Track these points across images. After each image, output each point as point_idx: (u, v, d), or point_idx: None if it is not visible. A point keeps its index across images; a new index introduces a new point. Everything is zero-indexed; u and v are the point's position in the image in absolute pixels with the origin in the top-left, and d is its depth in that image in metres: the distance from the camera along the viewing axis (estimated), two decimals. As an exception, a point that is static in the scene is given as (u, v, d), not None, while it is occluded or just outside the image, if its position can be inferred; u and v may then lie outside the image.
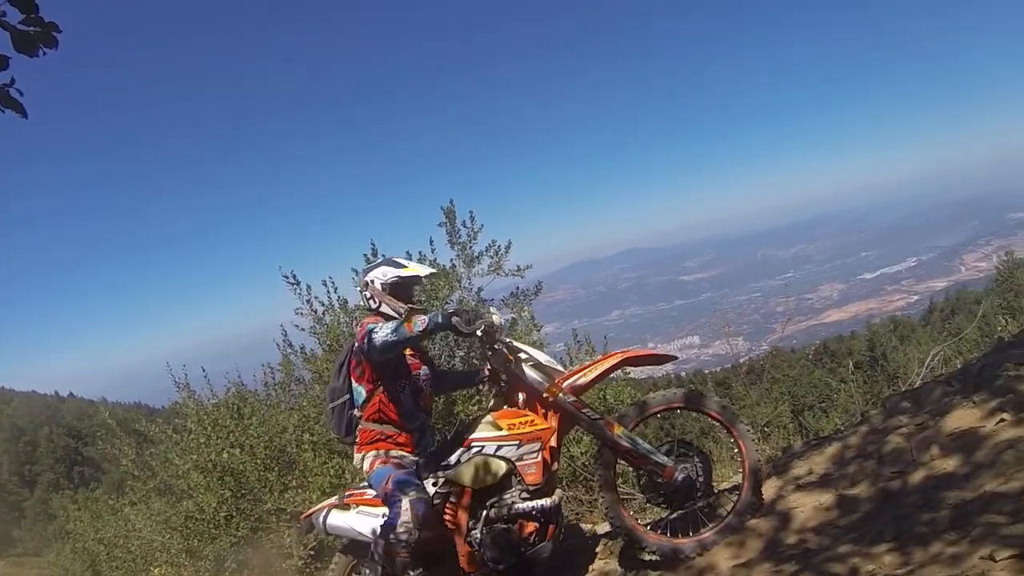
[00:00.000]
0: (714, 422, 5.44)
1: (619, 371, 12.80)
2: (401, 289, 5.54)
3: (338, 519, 5.63)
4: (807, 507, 4.90)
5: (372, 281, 5.49)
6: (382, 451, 5.27)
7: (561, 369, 5.41)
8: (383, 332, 4.86)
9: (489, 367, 5.58)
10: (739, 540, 4.89)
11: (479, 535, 5.08)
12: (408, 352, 5.44)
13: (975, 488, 3.81)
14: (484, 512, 5.12)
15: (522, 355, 5.35)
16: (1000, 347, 6.23)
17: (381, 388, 5.27)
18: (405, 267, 5.64)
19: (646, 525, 5.36)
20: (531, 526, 5.08)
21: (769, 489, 5.58)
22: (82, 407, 76.93)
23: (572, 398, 5.14)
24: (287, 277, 10.51)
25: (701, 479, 5.06)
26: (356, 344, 5.16)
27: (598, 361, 5.46)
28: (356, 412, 5.40)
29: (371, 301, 5.50)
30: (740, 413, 6.25)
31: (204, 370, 12.09)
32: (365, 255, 10.61)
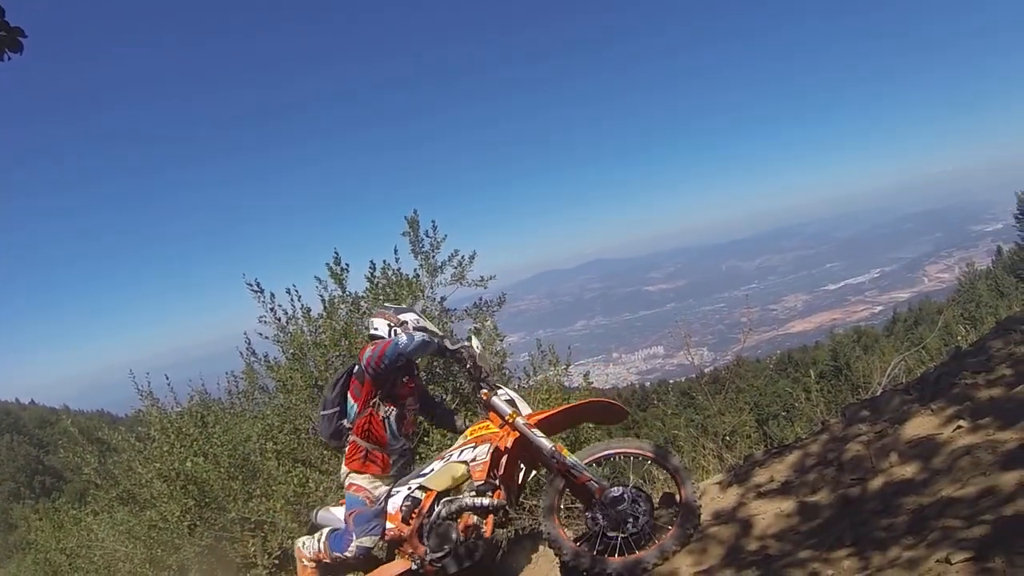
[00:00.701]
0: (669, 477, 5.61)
1: (583, 383, 12.93)
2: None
3: (326, 514, 6.11)
4: (768, 514, 4.95)
5: (407, 322, 5.91)
6: (363, 476, 5.73)
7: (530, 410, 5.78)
8: (392, 347, 5.45)
9: (474, 394, 5.98)
10: (701, 547, 4.93)
11: (427, 528, 5.44)
12: (405, 379, 5.86)
13: (932, 493, 3.87)
14: (436, 508, 5.47)
15: (500, 391, 5.74)
16: (957, 356, 6.34)
17: (372, 408, 5.67)
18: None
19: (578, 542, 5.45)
20: (470, 519, 5.34)
21: (730, 496, 5.65)
22: (43, 415, 75.79)
23: (526, 420, 5.44)
24: (251, 285, 10.47)
25: (635, 506, 5.21)
26: (362, 364, 5.55)
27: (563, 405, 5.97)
28: (347, 424, 5.84)
29: (375, 330, 5.93)
30: (692, 475, 6.31)
31: (168, 378, 12.02)
32: (327, 264, 10.60)
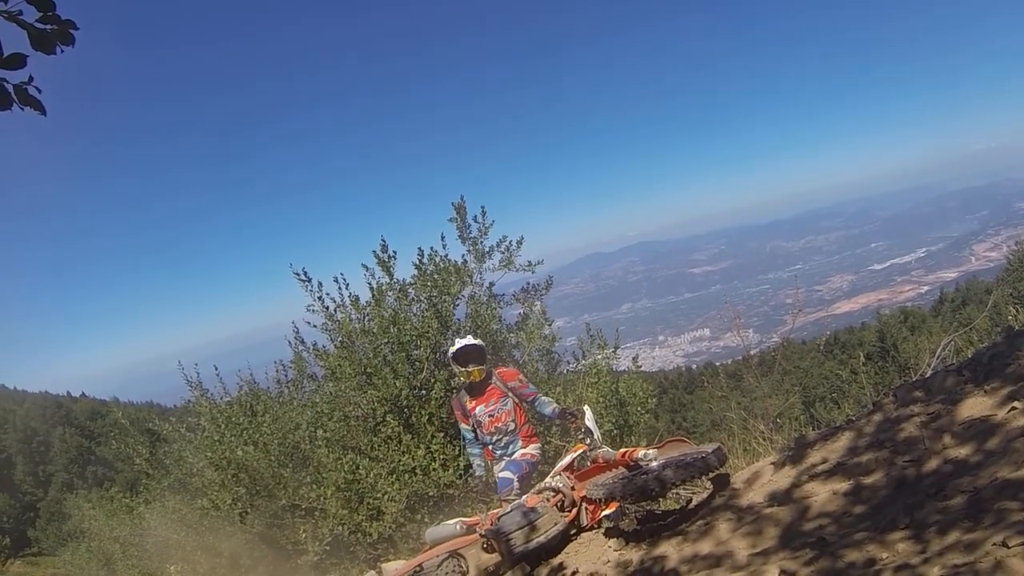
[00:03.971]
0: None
1: (632, 366, 12.98)
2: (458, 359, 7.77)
3: (435, 530, 7.30)
4: (822, 495, 4.94)
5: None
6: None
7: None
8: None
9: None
10: (756, 529, 4.94)
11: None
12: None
13: (988, 475, 3.85)
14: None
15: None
16: (1010, 336, 6.26)
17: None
18: (453, 344, 7.85)
19: None
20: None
21: (784, 478, 5.65)
22: (94, 407, 76.98)
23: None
24: (298, 274, 10.58)
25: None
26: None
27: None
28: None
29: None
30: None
31: (216, 368, 12.20)
32: (374, 251, 10.68)
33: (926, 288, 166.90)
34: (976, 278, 67.82)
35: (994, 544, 3.05)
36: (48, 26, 2.84)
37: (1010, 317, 9.74)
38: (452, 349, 7.78)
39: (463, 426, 7.91)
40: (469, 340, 7.75)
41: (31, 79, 2.87)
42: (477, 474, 7.84)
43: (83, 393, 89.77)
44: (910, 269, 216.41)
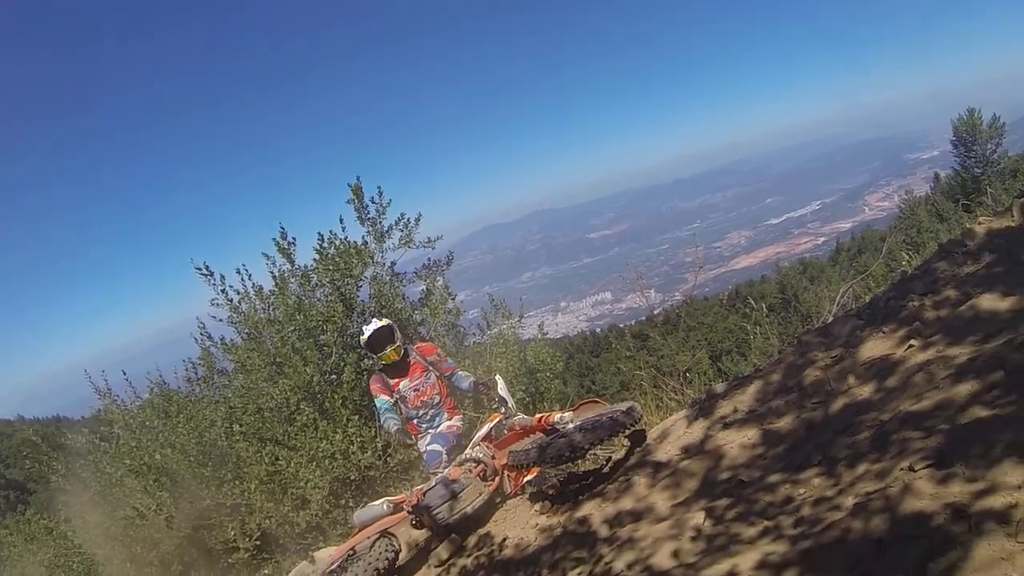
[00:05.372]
0: None
1: (538, 334, 13.22)
2: (372, 348, 7.84)
3: (363, 512, 7.31)
4: (735, 444, 5.17)
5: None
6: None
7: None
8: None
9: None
10: (674, 481, 5.15)
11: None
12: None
13: (891, 410, 4.10)
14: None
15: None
16: (904, 280, 6.60)
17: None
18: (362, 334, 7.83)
19: None
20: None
21: (697, 430, 5.88)
22: None
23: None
24: (200, 269, 10.43)
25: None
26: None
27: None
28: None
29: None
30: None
31: (125, 373, 12.01)
32: (274, 239, 10.61)
33: (823, 239, 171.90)
34: (870, 227, 70.42)
35: (901, 470, 3.28)
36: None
37: (904, 263, 10.21)
38: (363, 338, 7.77)
39: (382, 397, 7.81)
40: (376, 324, 7.73)
41: None
42: (394, 430, 7.65)
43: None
44: (806, 222, 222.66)
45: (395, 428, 7.61)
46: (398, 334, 7.80)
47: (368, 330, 7.68)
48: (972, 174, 41.69)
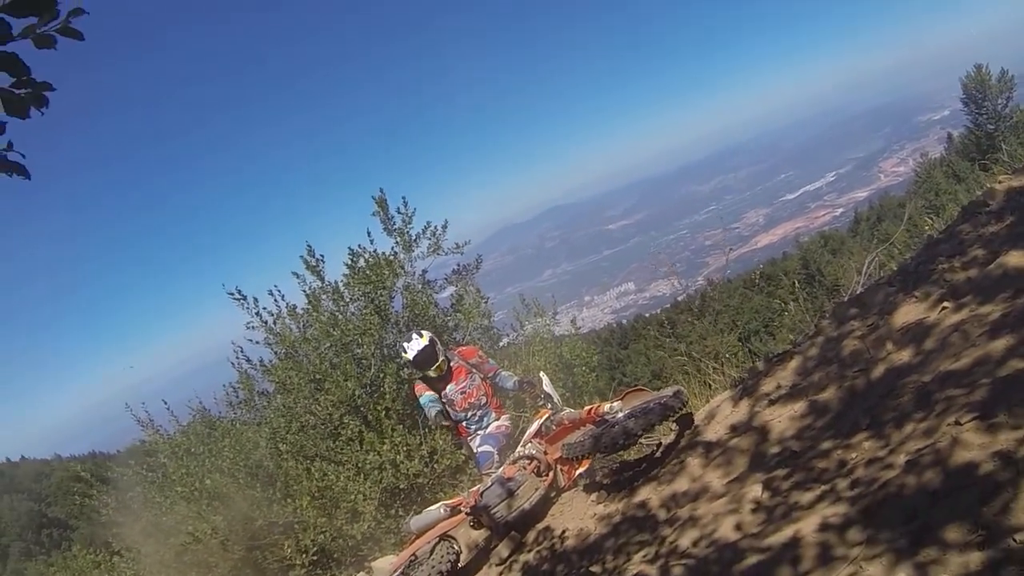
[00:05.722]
0: None
1: (571, 329, 13.42)
2: (418, 366, 7.88)
3: (418, 519, 7.43)
4: (782, 418, 5.34)
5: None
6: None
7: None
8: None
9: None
10: (726, 459, 5.33)
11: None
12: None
13: (932, 370, 4.27)
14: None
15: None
16: (931, 244, 6.76)
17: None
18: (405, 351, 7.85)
19: None
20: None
21: (743, 409, 6.06)
22: (37, 468, 73.98)
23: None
24: (232, 294, 10.61)
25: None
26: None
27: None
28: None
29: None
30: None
31: (166, 403, 12.21)
32: (302, 256, 10.79)
33: (840, 210, 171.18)
34: (888, 194, 69.97)
35: (948, 425, 3.46)
36: (23, 90, 2.79)
37: (926, 227, 10.33)
38: (407, 356, 7.78)
39: (427, 394, 7.86)
40: (417, 343, 7.72)
41: (11, 145, 2.84)
42: (433, 413, 7.74)
43: (22, 456, 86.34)
44: (822, 194, 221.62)
45: (435, 412, 7.72)
46: (439, 347, 7.84)
47: (412, 350, 7.69)
48: (985, 131, 41.49)
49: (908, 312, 5.40)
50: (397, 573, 6.95)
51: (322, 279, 10.80)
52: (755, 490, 4.45)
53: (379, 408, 9.78)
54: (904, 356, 4.81)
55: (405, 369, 9.70)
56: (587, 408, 7.29)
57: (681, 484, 5.50)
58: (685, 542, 4.44)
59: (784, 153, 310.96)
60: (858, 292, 7.75)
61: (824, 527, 3.43)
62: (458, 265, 11.65)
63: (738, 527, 4.21)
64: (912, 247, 9.86)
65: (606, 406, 7.08)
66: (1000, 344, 3.92)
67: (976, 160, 36.81)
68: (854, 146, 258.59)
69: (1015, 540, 2.55)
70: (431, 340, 7.77)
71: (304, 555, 9.57)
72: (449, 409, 7.91)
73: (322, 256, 10.80)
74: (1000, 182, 6.63)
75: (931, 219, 10.93)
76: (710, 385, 8.87)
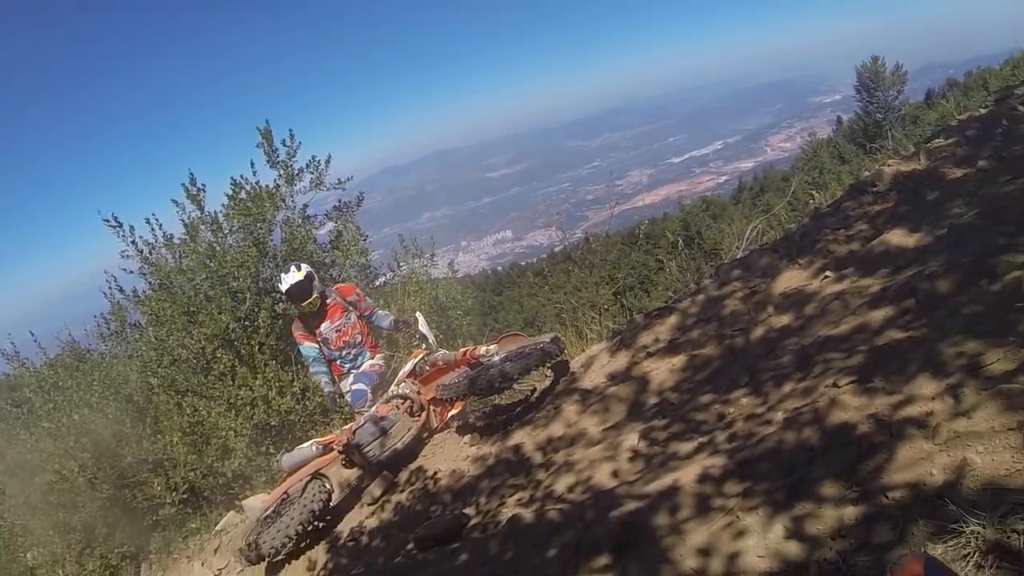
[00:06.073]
0: None
1: (448, 272, 13.52)
2: (292, 298, 7.76)
3: (290, 456, 7.35)
4: (661, 370, 5.50)
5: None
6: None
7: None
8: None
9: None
10: (603, 407, 5.46)
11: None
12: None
13: (811, 335, 4.46)
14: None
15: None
16: (817, 216, 7.01)
17: None
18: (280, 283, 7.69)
19: None
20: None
21: (621, 359, 6.21)
22: None
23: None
24: (108, 220, 10.23)
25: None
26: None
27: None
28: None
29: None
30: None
31: (33, 334, 11.77)
32: (183, 184, 10.48)
33: (724, 178, 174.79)
34: (773, 167, 72.03)
35: (826, 387, 3.63)
36: None
37: (810, 201, 10.69)
38: (281, 287, 7.68)
39: (307, 344, 7.84)
40: (294, 275, 7.59)
41: None
42: (327, 390, 7.83)
43: None
44: (708, 160, 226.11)
45: (327, 390, 7.78)
46: (316, 282, 7.72)
47: (287, 282, 7.56)
48: (874, 119, 43.26)
49: (791, 278, 5.61)
50: (269, 511, 6.89)
51: (201, 209, 10.49)
52: (632, 438, 4.57)
53: (252, 342, 9.61)
54: (784, 320, 5.00)
55: (280, 303, 9.58)
56: (463, 350, 7.33)
57: (556, 429, 5.61)
58: (560, 487, 4.53)
59: (677, 117, 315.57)
60: (741, 256, 7.97)
61: (702, 478, 3.55)
62: (339, 201, 11.48)
63: (615, 474, 4.32)
64: (793, 220, 10.20)
65: (482, 349, 7.14)
66: (879, 315, 4.11)
67: (863, 145, 38.28)
68: (745, 118, 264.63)
69: (887, 497, 2.70)
70: (307, 275, 7.60)
71: (174, 493, 9.40)
72: (323, 347, 7.84)
73: (203, 185, 10.47)
74: (888, 165, 6.91)
75: (815, 194, 11.31)
76: (584, 336, 8.99)
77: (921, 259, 4.56)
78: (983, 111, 7.63)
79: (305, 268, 7.60)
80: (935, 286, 4.00)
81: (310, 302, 7.58)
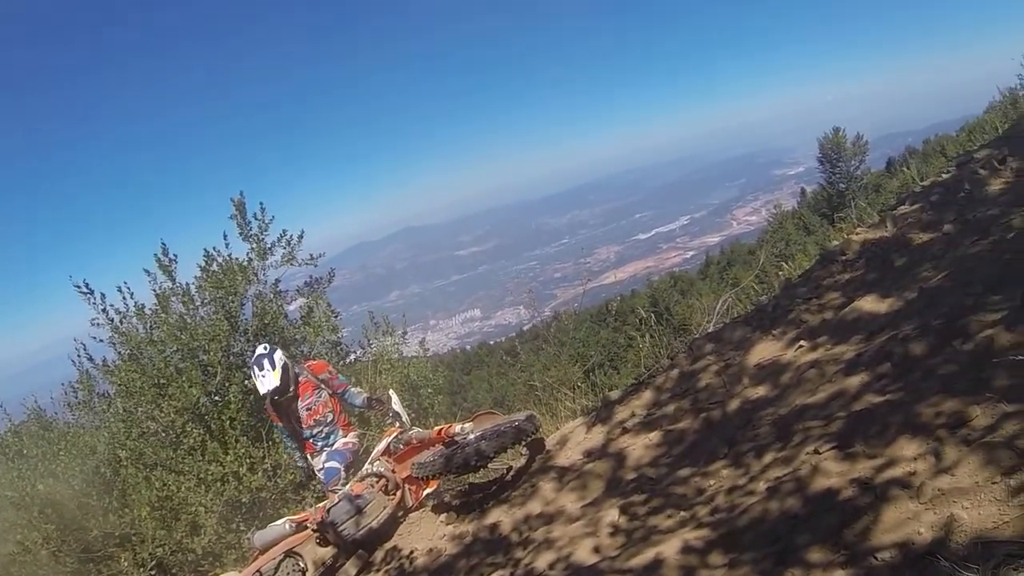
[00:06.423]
0: None
1: (420, 350, 13.52)
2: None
3: (263, 533, 7.21)
4: (638, 446, 5.50)
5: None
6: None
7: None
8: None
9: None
10: (581, 483, 5.45)
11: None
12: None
13: (788, 404, 4.50)
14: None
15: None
16: (788, 287, 7.13)
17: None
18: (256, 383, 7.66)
19: None
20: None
21: (597, 436, 6.21)
22: None
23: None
24: (79, 287, 10.21)
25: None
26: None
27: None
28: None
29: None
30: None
31: (-4, 400, 11.65)
32: (155, 255, 10.50)
33: (691, 253, 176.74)
34: (739, 241, 73.18)
35: (807, 454, 3.66)
36: None
37: (781, 272, 10.84)
38: (261, 391, 7.62)
39: (281, 424, 7.86)
40: (272, 381, 7.51)
41: None
42: (300, 465, 7.90)
43: None
44: (675, 236, 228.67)
45: (300, 465, 7.92)
46: (291, 372, 7.67)
47: (265, 385, 7.48)
48: (837, 189, 44.01)
49: (765, 349, 5.67)
50: None
51: (173, 279, 10.50)
52: (612, 514, 4.56)
53: (223, 417, 9.55)
54: (760, 391, 5.04)
55: (251, 379, 9.58)
56: (437, 428, 7.35)
57: (534, 507, 5.58)
58: (541, 564, 4.50)
59: (641, 193, 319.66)
60: (713, 330, 8.05)
61: (686, 550, 3.54)
62: (310, 277, 11.57)
63: (596, 550, 4.30)
64: (762, 293, 10.32)
65: (457, 427, 7.15)
66: (855, 380, 4.17)
67: (827, 215, 38.96)
68: (710, 193, 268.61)
69: (876, 558, 2.72)
70: (283, 376, 7.54)
71: (141, 569, 9.20)
72: (296, 425, 7.81)
73: (175, 256, 10.51)
74: (856, 234, 7.04)
75: (785, 264, 11.47)
76: (558, 414, 8.99)
77: (894, 323, 4.63)
78: (945, 176, 7.82)
79: (280, 363, 7.54)
80: (909, 349, 4.06)
81: (288, 397, 7.60)
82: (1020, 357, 3.24)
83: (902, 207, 7.32)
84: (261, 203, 10.75)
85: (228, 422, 9.54)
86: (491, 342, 74.30)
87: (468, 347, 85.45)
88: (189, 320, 10.17)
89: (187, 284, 10.48)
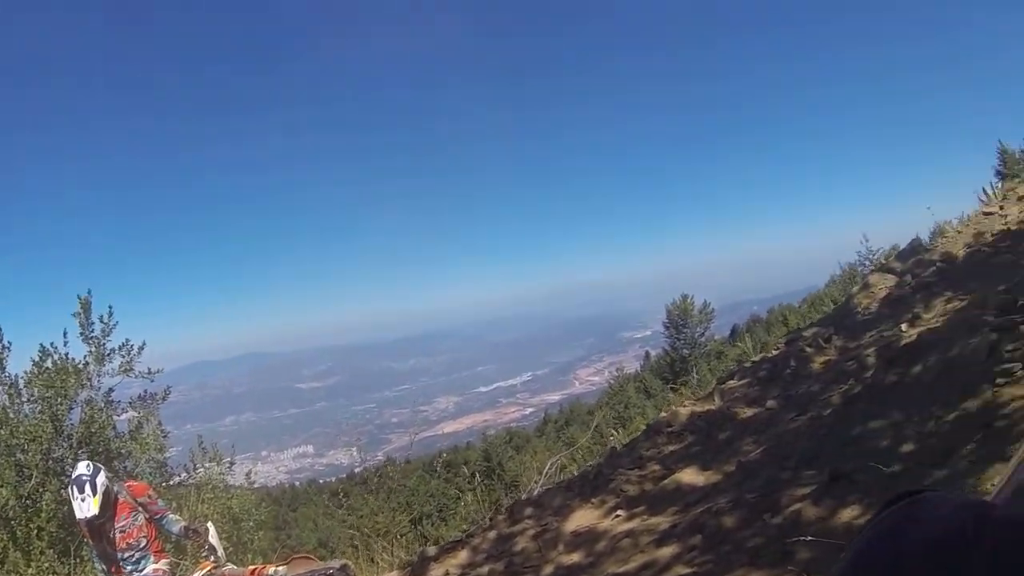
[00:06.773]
0: None
1: (245, 482, 13.13)
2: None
3: None
4: (445, 606, 5.40)
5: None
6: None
7: None
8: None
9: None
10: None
11: None
12: None
13: (600, 572, 4.51)
14: None
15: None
16: (612, 456, 7.26)
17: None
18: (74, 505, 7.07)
19: None
20: None
21: (407, 594, 6.08)
22: None
23: None
24: None
25: None
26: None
27: None
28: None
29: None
30: None
31: None
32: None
33: (530, 410, 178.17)
34: (579, 400, 74.10)
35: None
36: None
37: (611, 437, 11.04)
38: (77, 516, 7.09)
39: (92, 543, 7.34)
40: (91, 508, 6.99)
41: None
42: None
43: None
44: (515, 392, 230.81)
45: None
46: (112, 496, 7.20)
47: (82, 511, 6.97)
48: (681, 354, 45.45)
49: (583, 517, 5.71)
50: None
51: (3, 367, 9.97)
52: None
53: (32, 525, 8.94)
54: (575, 558, 5.05)
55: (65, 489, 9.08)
56: (252, 568, 7.14)
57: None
58: None
59: (486, 346, 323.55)
60: (537, 493, 8.07)
61: None
62: (145, 391, 11.22)
63: None
64: (596, 454, 10.46)
65: (271, 569, 6.94)
66: (667, 551, 4.22)
67: (668, 380, 40.01)
68: (557, 350, 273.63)
69: None
70: (103, 498, 7.08)
71: None
72: (107, 545, 7.35)
73: (10, 343, 10.01)
74: (684, 405, 7.27)
75: (617, 431, 11.70)
76: (376, 563, 8.81)
77: (710, 496, 4.75)
78: (775, 352, 8.21)
79: (101, 488, 7.06)
80: (721, 522, 4.15)
81: (96, 499, 7.16)
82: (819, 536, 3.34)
83: (731, 381, 7.61)
84: (110, 306, 10.49)
85: (36, 531, 8.93)
86: (321, 480, 72.46)
87: (297, 483, 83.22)
88: (12, 414, 9.61)
89: (16, 376, 9.96)
